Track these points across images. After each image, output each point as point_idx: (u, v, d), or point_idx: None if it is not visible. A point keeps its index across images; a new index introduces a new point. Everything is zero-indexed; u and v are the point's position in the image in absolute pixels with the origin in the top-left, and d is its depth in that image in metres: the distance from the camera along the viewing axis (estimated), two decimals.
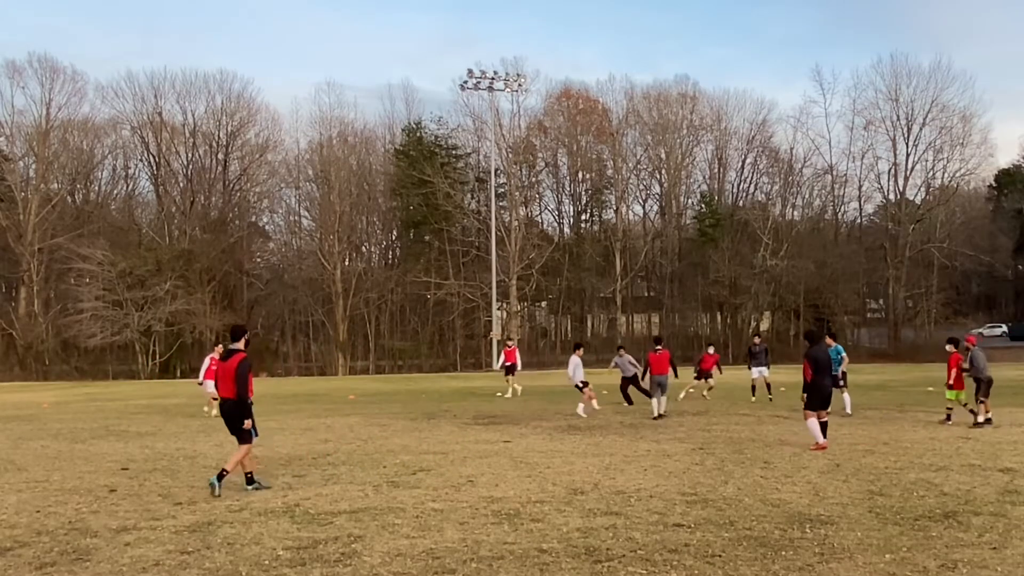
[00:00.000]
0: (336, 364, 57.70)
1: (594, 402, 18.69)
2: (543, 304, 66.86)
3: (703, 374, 23.47)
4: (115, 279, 52.90)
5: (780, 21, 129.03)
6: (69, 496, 9.49)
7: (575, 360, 19.28)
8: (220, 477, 9.42)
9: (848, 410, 17.71)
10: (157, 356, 54.29)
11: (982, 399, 15.98)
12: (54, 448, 14.26)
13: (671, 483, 9.70)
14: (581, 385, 18.76)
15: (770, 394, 22.14)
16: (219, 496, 9.18)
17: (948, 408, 15.92)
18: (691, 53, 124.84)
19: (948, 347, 16.43)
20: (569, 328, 66.54)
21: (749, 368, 22.69)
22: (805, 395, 12.53)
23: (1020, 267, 74.66)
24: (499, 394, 25.48)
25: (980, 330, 67.73)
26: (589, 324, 68.28)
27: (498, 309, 57.65)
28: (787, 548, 6.73)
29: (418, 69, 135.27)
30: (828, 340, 17.78)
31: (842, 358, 17.78)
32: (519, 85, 58.37)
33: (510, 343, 27.84)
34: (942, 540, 6.93)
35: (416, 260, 61.42)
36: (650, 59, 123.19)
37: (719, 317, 66.32)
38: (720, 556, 6.50)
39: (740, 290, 60.30)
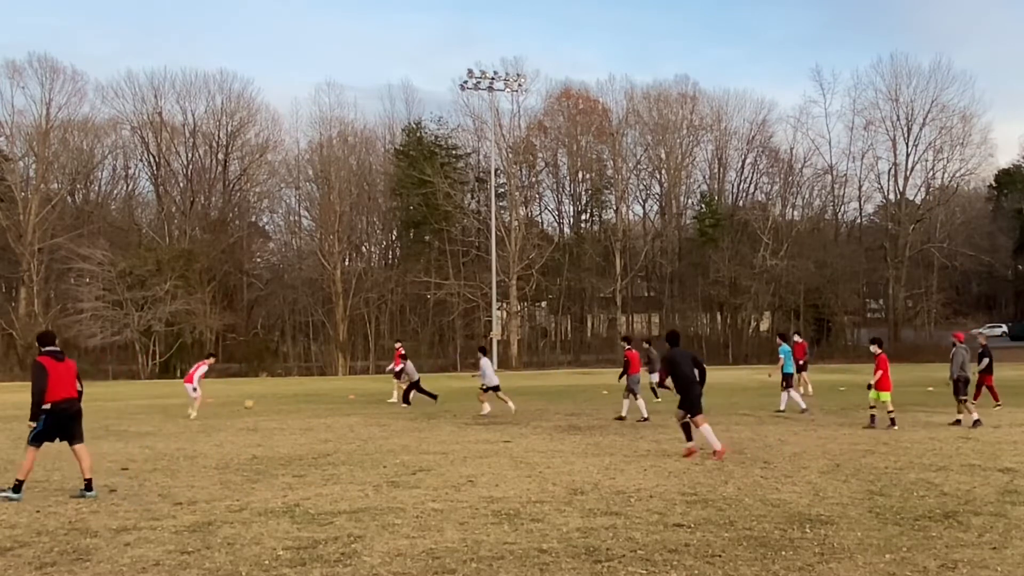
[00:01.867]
0: (336, 364, 57.69)
1: (510, 403, 19.16)
2: (543, 304, 66.84)
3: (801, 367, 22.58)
4: (115, 279, 52.89)
5: (780, 21, 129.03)
6: (69, 496, 9.49)
7: (486, 362, 19.85)
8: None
9: (782, 407, 18.53)
10: (157, 356, 54.27)
11: (963, 398, 15.97)
12: (54, 448, 14.21)
13: (671, 483, 9.70)
14: (491, 388, 19.16)
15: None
16: (96, 497, 9.22)
17: (871, 409, 15.53)
18: (691, 53, 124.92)
19: (873, 348, 16.09)
20: (569, 328, 66.54)
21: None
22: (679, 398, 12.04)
23: (1020, 267, 74.62)
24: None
25: (981, 330, 67.67)
26: (589, 324, 68.29)
27: (498, 309, 57.63)
28: (787, 548, 6.73)
29: (418, 69, 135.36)
30: (779, 340, 19.78)
31: (780, 359, 18.92)
32: (519, 85, 58.37)
33: (398, 344, 27.43)
34: (942, 540, 6.93)
35: (416, 260, 61.41)
36: (650, 59, 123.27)
37: (719, 317, 66.31)
38: (720, 556, 6.50)
39: (740, 290, 60.29)
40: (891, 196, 65.68)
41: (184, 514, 8.36)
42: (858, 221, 70.49)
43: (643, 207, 69.40)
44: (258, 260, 69.36)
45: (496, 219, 56.93)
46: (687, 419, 11.92)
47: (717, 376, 38.00)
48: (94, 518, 8.24)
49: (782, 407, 18.55)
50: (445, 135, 65.06)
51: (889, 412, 15.38)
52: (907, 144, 63.66)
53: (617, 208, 66.18)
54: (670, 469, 10.72)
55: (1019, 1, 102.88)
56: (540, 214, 69.48)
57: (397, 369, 24.47)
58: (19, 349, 55.41)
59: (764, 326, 65.48)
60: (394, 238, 69.62)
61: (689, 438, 11.97)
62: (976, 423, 15.30)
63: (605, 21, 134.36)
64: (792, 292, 60.18)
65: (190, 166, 64.67)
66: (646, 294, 69.07)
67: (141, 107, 62.39)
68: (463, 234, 61.98)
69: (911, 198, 65.35)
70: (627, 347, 18.04)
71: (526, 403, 21.97)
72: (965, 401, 15.95)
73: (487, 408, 18.99)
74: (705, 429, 11.65)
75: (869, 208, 70.18)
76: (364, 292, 59.37)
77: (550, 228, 68.95)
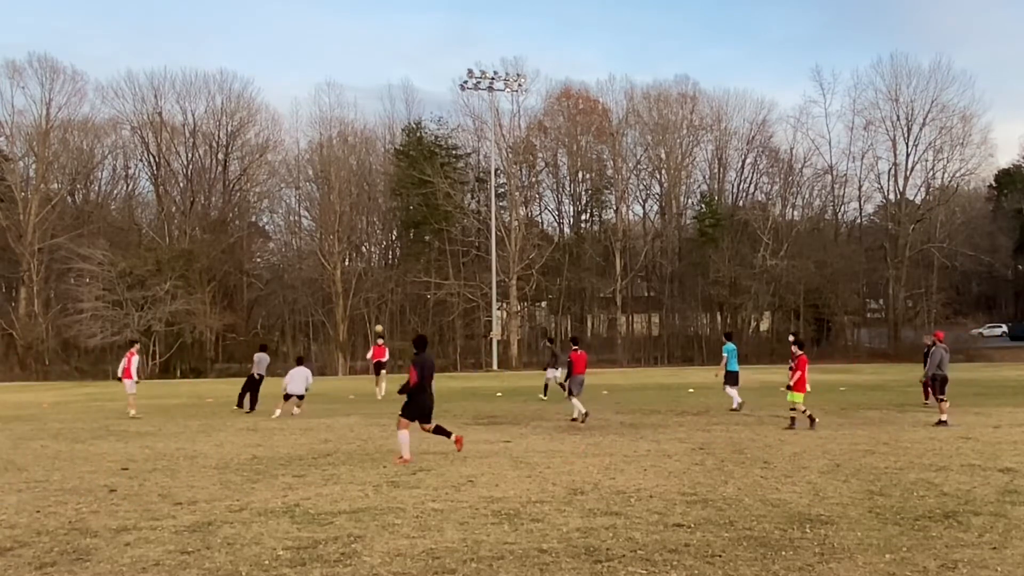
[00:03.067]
0: (336, 364, 57.68)
1: (296, 410, 19.86)
2: (543, 304, 66.82)
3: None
4: (115, 279, 52.87)
5: (780, 21, 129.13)
6: (69, 496, 9.49)
7: (302, 371, 20.35)
8: None
9: (735, 405, 19.09)
10: (157, 356, 54.26)
11: (941, 398, 15.97)
12: (54, 448, 14.26)
13: (671, 483, 9.70)
14: (296, 395, 19.94)
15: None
16: None
17: (791, 411, 15.40)
18: (691, 53, 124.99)
19: (794, 348, 15.98)
20: (569, 328, 66.46)
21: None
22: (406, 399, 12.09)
23: (1020, 267, 74.62)
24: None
25: (980, 330, 67.74)
26: (589, 324, 68.26)
27: (498, 309, 57.63)
28: (787, 548, 6.73)
29: (418, 69, 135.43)
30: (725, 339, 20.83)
31: (724, 358, 19.86)
32: (519, 85, 58.35)
33: (380, 340, 27.82)
34: (942, 540, 6.93)
35: (416, 260, 61.40)
36: (650, 59, 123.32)
37: (719, 317, 66.29)
38: (720, 556, 6.50)
39: (740, 290, 60.28)
40: (891, 196, 65.68)
41: (184, 514, 8.36)
42: (858, 221, 70.46)
43: (643, 207, 69.42)
44: (258, 260, 69.33)
45: (496, 219, 56.92)
46: (425, 427, 12.04)
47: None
48: (94, 518, 8.24)
49: (735, 405, 19.12)
50: (445, 135, 65.07)
51: (804, 412, 15.35)
52: (907, 144, 63.67)
53: (617, 208, 66.20)
54: (670, 469, 10.72)
55: (1019, 1, 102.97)
56: (540, 214, 69.51)
57: (376, 362, 25.25)
58: (19, 349, 55.41)
59: (764, 326, 65.47)
60: (394, 238, 69.60)
61: (447, 434, 12.19)
62: (941, 422, 15.32)
63: (605, 21, 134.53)
64: (792, 292, 60.17)
65: (190, 166, 64.63)
66: (646, 294, 69.05)
67: (141, 107, 62.38)
68: (463, 234, 61.96)
69: (911, 198, 65.33)
70: (574, 348, 18.39)
71: (526, 403, 21.98)
72: (943, 400, 15.98)
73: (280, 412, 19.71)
74: (403, 436, 11.74)
75: (869, 208, 70.20)
76: (364, 292, 59.36)
77: (550, 228, 68.97)
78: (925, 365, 17.75)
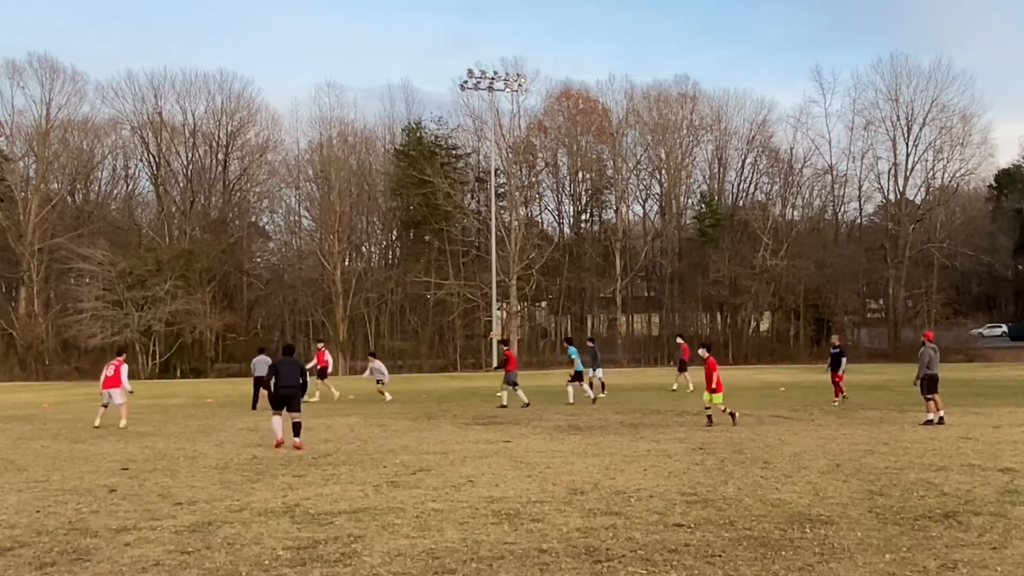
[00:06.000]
0: (336, 364, 57.65)
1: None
2: (543, 304, 66.80)
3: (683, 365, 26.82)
4: (115, 279, 52.84)
5: (780, 21, 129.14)
6: (69, 496, 9.49)
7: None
8: None
9: (571, 400, 21.38)
10: (157, 356, 54.25)
11: (929, 396, 15.99)
12: (54, 448, 14.26)
13: (671, 483, 9.70)
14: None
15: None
16: None
17: (707, 410, 15.98)
18: (691, 53, 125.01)
19: (701, 351, 16.49)
20: (569, 328, 66.44)
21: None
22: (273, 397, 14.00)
23: (1020, 267, 74.59)
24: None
25: (980, 330, 67.74)
26: (589, 324, 68.20)
27: (498, 309, 57.62)
28: (787, 548, 6.73)
29: (418, 69, 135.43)
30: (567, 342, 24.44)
31: (573, 359, 22.42)
32: (519, 85, 58.30)
33: (320, 344, 28.03)
34: (942, 540, 6.93)
35: (416, 260, 61.37)
36: (650, 59, 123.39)
37: (719, 317, 66.28)
38: (720, 556, 6.50)
39: (740, 290, 60.25)
40: (891, 196, 65.61)
41: (184, 514, 8.36)
42: (858, 221, 70.40)
43: (643, 207, 69.35)
44: (258, 260, 69.28)
45: (496, 219, 56.89)
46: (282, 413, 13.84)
47: None
48: (94, 518, 8.24)
49: (570, 399, 21.45)
50: (445, 135, 65.01)
51: (724, 410, 15.90)
52: (907, 144, 63.59)
53: (617, 208, 66.12)
54: (670, 469, 10.72)
55: (1019, 1, 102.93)
56: (540, 214, 69.42)
57: (319, 368, 25.44)
58: (19, 349, 55.40)
59: (764, 326, 65.44)
60: (394, 238, 69.57)
61: (290, 433, 13.60)
62: (928, 422, 15.38)
63: (605, 21, 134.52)
64: (792, 292, 60.15)
65: (190, 166, 64.59)
66: (646, 294, 69.03)
67: (141, 107, 62.30)
68: (463, 234, 61.93)
69: (911, 198, 65.25)
70: (506, 348, 21.64)
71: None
72: (929, 400, 16.00)
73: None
74: (276, 420, 13.71)
75: (869, 208, 70.12)
76: (364, 292, 59.35)
77: (550, 228, 68.90)
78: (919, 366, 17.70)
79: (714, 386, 15.78)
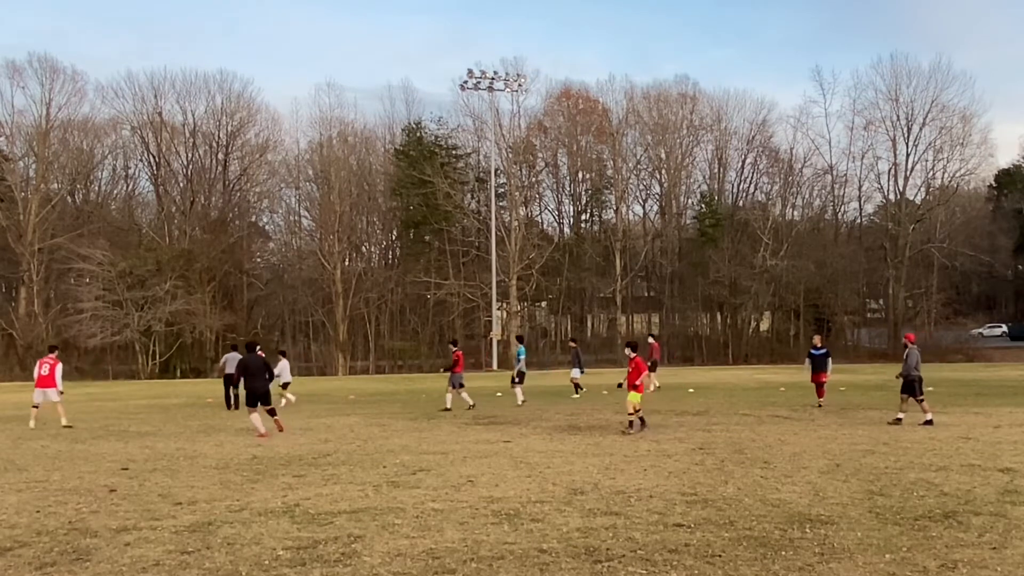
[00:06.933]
0: (336, 364, 57.67)
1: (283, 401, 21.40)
2: (543, 304, 66.80)
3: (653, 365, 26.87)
4: (115, 279, 52.84)
5: (780, 22, 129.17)
6: (69, 496, 9.48)
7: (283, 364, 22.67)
8: None
9: (519, 402, 21.35)
10: (157, 356, 54.24)
11: (920, 397, 15.99)
12: (54, 448, 14.26)
13: (671, 483, 9.70)
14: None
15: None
16: None
17: (630, 414, 15.18)
18: (691, 54, 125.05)
19: (627, 351, 15.84)
20: (569, 328, 66.47)
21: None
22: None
23: (1020, 267, 74.63)
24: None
25: (980, 330, 67.75)
26: (589, 324, 68.25)
27: (498, 309, 57.62)
28: (787, 548, 6.73)
29: (418, 69, 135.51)
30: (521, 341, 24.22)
31: (521, 359, 22.83)
32: (519, 85, 58.34)
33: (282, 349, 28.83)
34: (942, 540, 6.93)
35: (416, 260, 61.38)
36: (650, 60, 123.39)
37: (719, 317, 66.29)
38: (720, 556, 6.50)
39: (740, 290, 60.27)
40: (891, 196, 65.66)
41: (184, 514, 8.36)
42: (858, 221, 70.45)
43: (643, 207, 69.40)
44: (258, 260, 69.27)
45: (496, 219, 56.90)
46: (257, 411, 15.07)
47: (717, 376, 38.01)
48: (94, 518, 8.24)
49: (519, 402, 21.47)
50: (445, 135, 65.05)
51: (636, 412, 15.10)
52: (907, 144, 63.63)
53: (617, 208, 66.13)
54: (670, 469, 10.72)
55: (1019, 1, 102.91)
56: (540, 214, 69.47)
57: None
58: (19, 349, 55.38)
59: (764, 326, 65.45)
60: (394, 238, 69.58)
61: (269, 421, 14.97)
62: (928, 422, 15.36)
63: (605, 21, 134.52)
64: (792, 292, 60.18)
65: (190, 166, 64.60)
66: (646, 294, 69.03)
67: (141, 107, 62.35)
68: (463, 234, 61.95)
69: (911, 198, 65.28)
70: (455, 348, 21.43)
71: (526, 403, 21.95)
72: (923, 401, 16.00)
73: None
74: (254, 418, 14.89)
75: (869, 208, 70.19)
76: (364, 292, 59.35)
77: (550, 228, 68.95)
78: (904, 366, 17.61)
79: (637, 383, 15.04)
